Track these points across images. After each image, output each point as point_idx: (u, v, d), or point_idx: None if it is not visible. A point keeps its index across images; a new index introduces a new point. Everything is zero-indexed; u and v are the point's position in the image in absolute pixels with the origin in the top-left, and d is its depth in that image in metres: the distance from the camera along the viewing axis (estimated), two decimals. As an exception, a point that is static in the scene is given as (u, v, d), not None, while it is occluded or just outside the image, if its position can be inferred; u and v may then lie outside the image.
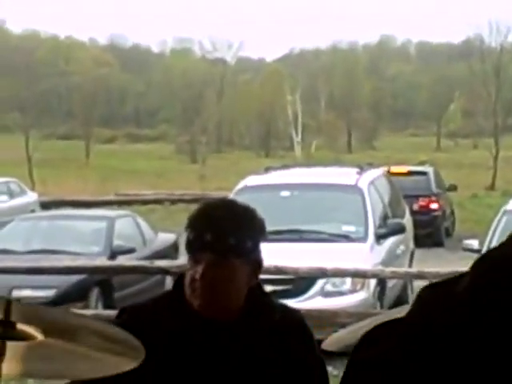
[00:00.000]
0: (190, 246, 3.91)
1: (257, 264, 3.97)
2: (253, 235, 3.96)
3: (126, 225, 18.78)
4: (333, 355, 4.37)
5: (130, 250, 17.11)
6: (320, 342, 4.15)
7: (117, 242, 17.36)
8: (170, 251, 19.12)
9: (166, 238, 19.94)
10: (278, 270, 11.95)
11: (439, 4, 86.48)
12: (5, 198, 31.80)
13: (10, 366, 3.33)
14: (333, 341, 4.10)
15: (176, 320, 3.90)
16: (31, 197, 33.77)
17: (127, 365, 3.44)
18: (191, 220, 3.96)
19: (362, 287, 13.55)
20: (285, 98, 64.07)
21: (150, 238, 19.16)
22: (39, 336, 3.34)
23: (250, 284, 3.96)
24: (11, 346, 3.30)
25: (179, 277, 4.02)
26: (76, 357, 3.46)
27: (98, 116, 67.53)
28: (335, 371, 12.31)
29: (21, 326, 3.31)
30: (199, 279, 3.80)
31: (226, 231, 3.86)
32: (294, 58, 74.67)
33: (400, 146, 60.80)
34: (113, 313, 13.57)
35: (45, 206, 32.34)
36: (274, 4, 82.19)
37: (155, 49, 79.39)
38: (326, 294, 13.25)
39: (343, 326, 12.34)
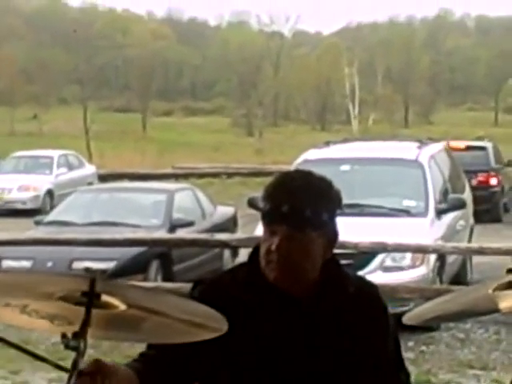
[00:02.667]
0: (266, 218, 3.88)
1: (333, 236, 3.93)
2: (329, 207, 3.92)
3: (186, 198, 18.78)
4: (414, 329, 4.43)
5: (190, 223, 17.12)
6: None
7: (176, 215, 17.37)
8: (229, 224, 19.19)
9: (224, 211, 19.98)
10: (339, 245, 11.91)
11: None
12: (64, 170, 31.99)
13: (94, 332, 3.40)
14: (414, 315, 4.06)
15: (252, 292, 3.89)
16: (89, 169, 33.93)
17: (207, 335, 3.50)
18: (268, 191, 3.94)
19: (422, 262, 13.48)
20: (342, 71, 63.93)
21: (209, 211, 19.15)
22: (122, 306, 3.41)
23: (326, 256, 3.93)
24: (96, 315, 3.36)
25: (254, 250, 3.99)
26: (157, 326, 3.52)
27: (154, 89, 67.73)
28: (410, 343, 12.45)
29: (105, 298, 3.37)
30: (275, 251, 3.79)
31: (302, 204, 3.84)
32: (352, 32, 74.39)
33: (457, 120, 60.47)
34: (172, 285, 13.68)
35: (103, 178, 32.49)
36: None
37: (212, 22, 79.69)
38: (386, 269, 13.23)
39: (403, 300, 12.44)
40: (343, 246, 12.10)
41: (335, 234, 3.96)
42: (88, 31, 64.95)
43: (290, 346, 3.89)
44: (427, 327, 12.81)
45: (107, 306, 3.42)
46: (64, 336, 3.36)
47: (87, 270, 3.33)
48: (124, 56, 66.39)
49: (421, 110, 69.38)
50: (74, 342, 3.33)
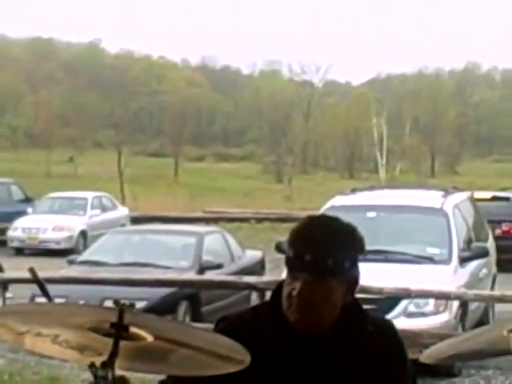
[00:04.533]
0: (289, 263, 3.88)
1: (353, 281, 3.94)
2: (351, 255, 3.93)
3: (215, 241, 18.79)
4: (429, 367, 4.42)
5: (219, 266, 17.15)
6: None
7: (206, 258, 17.35)
8: (257, 267, 19.18)
9: (252, 254, 19.96)
10: (363, 290, 11.94)
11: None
12: (97, 212, 32.06)
13: (121, 363, 3.41)
14: (431, 354, 4.09)
15: (272, 331, 3.89)
16: (122, 211, 34.04)
17: (232, 368, 3.49)
18: (292, 237, 3.94)
19: (445, 309, 13.40)
20: (370, 121, 64.00)
21: (237, 254, 19.15)
22: (149, 338, 3.44)
23: (346, 300, 3.93)
24: (124, 346, 3.39)
25: (276, 289, 3.99)
26: (184, 359, 3.52)
27: (187, 135, 67.91)
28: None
29: (133, 329, 3.41)
30: (296, 296, 3.80)
31: (325, 253, 3.84)
32: (381, 83, 74.45)
33: (483, 171, 60.31)
34: (200, 326, 13.70)
35: (135, 220, 32.56)
36: (361, 28, 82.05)
37: (245, 70, 79.85)
38: (409, 315, 13.18)
39: (426, 346, 12.33)
40: (367, 291, 12.09)
41: (356, 279, 3.96)
42: (124, 77, 65.24)
43: (307, 383, 3.89)
44: (449, 373, 12.80)
45: (135, 337, 3.45)
46: (92, 365, 3.38)
47: (116, 302, 3.35)
48: (158, 102, 66.65)
49: (447, 161, 69.25)
50: (103, 371, 3.35)
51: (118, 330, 3.37)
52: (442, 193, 17.09)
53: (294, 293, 3.81)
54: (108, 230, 22.59)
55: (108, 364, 3.34)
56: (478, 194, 23.62)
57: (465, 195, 18.38)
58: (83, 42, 74.66)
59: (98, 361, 3.37)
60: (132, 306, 3.46)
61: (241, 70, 79.49)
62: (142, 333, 3.45)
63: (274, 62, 76.90)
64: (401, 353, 4.12)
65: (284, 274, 4.24)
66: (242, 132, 71.62)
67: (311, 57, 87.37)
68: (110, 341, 3.39)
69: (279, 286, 3.98)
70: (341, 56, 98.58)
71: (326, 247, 3.84)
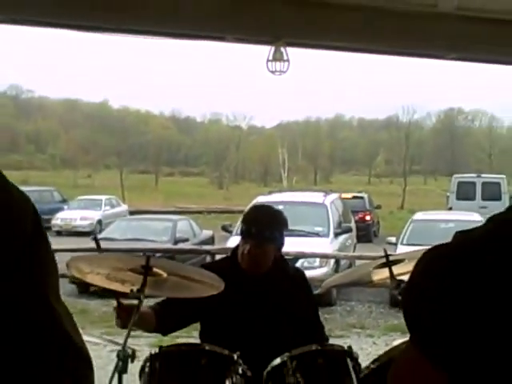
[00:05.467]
0: (243, 233, 3.93)
1: (280, 244, 3.99)
2: (280, 229, 3.97)
3: (183, 225, 18.76)
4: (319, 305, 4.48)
5: (186, 240, 17.18)
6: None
7: (178, 235, 17.37)
8: (209, 241, 19.12)
9: (206, 233, 19.87)
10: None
11: (369, 88, 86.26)
12: (108, 208, 31.74)
13: (148, 290, 3.35)
14: (326, 284, 4.23)
15: (232, 273, 3.88)
16: (123, 207, 33.66)
17: (212, 291, 3.50)
18: (244, 217, 4.02)
19: (326, 264, 13.47)
20: (277, 150, 64.03)
21: (197, 232, 19.14)
22: (164, 274, 3.43)
23: (276, 255, 3.98)
24: (149, 279, 3.37)
25: (234, 249, 4.03)
26: (183, 286, 3.51)
27: (163, 159, 67.39)
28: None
29: (155, 269, 3.40)
30: (246, 253, 3.84)
31: (264, 227, 3.88)
32: (283, 126, 74.44)
33: (346, 181, 60.68)
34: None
35: (131, 213, 32.30)
36: (272, 88, 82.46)
37: (198, 119, 79.08)
38: (305, 268, 13.28)
39: (315, 287, 12.40)
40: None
41: (283, 243, 4.00)
42: (123, 123, 64.73)
43: (251, 305, 3.88)
44: (328, 303, 12.87)
45: (156, 274, 3.42)
46: (131, 291, 3.34)
47: (144, 253, 3.38)
48: (145, 139, 65.96)
49: (324, 175, 69.51)
50: (137, 294, 3.31)
51: (146, 270, 3.35)
52: (322, 194, 17.30)
53: (245, 251, 3.85)
54: (115, 219, 22.54)
55: (140, 290, 3.31)
56: (344, 195, 23.85)
57: (336, 195, 18.51)
58: (97, 101, 73.76)
59: (134, 289, 3.34)
60: (153, 255, 3.46)
61: (196, 118, 78.97)
62: (160, 271, 3.42)
63: (217, 113, 76.52)
64: (309, 287, 4.16)
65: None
66: (197, 158, 70.92)
67: (240, 109, 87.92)
68: (141, 277, 3.36)
69: (236, 247, 4.00)
70: (259, 108, 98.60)
71: (264, 224, 3.90)
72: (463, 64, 4.80)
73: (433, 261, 1.72)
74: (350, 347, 3.32)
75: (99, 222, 29.93)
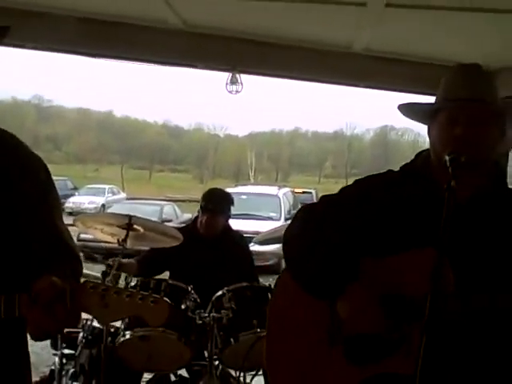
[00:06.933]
0: (201, 207, 4.04)
1: (228, 217, 4.07)
2: (228, 205, 4.08)
3: (169, 209, 18.97)
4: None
5: (170, 220, 17.17)
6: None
7: (164, 216, 17.45)
8: (189, 221, 19.24)
9: (186, 216, 19.83)
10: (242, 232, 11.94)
11: (321, 107, 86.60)
12: (110, 195, 31.66)
13: (130, 242, 3.45)
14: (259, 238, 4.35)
15: (193, 236, 3.95)
16: (123, 195, 33.59)
17: (174, 242, 3.58)
18: (203, 196, 4.11)
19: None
20: (247, 155, 64.29)
21: (179, 215, 19.37)
22: (141, 230, 3.52)
23: (225, 224, 4.08)
24: (130, 234, 3.44)
25: (195, 218, 4.13)
26: (155, 239, 3.57)
27: (156, 159, 67.22)
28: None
29: (135, 226, 3.49)
30: (204, 222, 3.96)
31: (217, 203, 3.98)
32: (253, 135, 74.57)
33: (301, 180, 60.90)
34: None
35: (128, 199, 32.22)
36: (244, 104, 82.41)
37: (185, 127, 78.95)
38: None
39: (267, 259, 12.37)
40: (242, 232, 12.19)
41: (230, 215, 4.11)
42: (124, 129, 64.67)
43: (205, 257, 3.93)
44: (277, 272, 13.03)
45: (135, 229, 3.50)
46: (118, 241, 3.43)
47: (128, 215, 3.50)
48: (142, 142, 65.89)
49: (284, 175, 69.77)
50: (122, 243, 3.39)
51: (129, 226, 3.43)
52: (277, 187, 17.65)
53: (203, 221, 3.97)
54: (115, 203, 22.67)
55: (125, 240, 3.37)
56: (297, 190, 23.94)
57: (288, 189, 18.63)
58: (103, 110, 73.31)
59: (120, 239, 3.40)
60: (134, 217, 3.53)
61: (183, 126, 78.83)
62: (139, 227, 3.49)
63: (200, 123, 76.47)
64: (247, 247, 4.17)
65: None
66: (183, 158, 70.81)
67: (219, 121, 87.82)
68: (124, 231, 3.42)
69: (196, 217, 4.12)
70: (233, 121, 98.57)
71: (216, 201, 4.01)
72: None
73: (301, 209, 2.04)
74: (270, 285, 3.48)
75: (103, 205, 29.89)
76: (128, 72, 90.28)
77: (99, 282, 1.52)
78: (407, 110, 1.90)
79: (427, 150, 1.92)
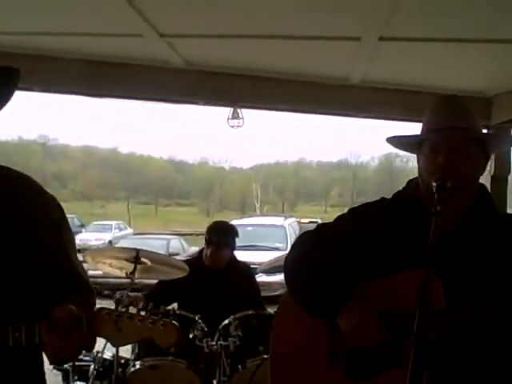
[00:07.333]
0: (206, 240, 4.14)
1: (233, 248, 4.14)
2: (233, 237, 4.14)
3: (175, 243, 19.03)
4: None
5: (177, 254, 17.13)
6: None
7: (171, 250, 17.51)
8: (195, 255, 19.24)
9: (193, 249, 19.72)
10: (249, 263, 11.92)
11: (325, 138, 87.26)
12: (117, 231, 31.75)
13: (137, 275, 3.53)
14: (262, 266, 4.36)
15: (198, 268, 4.03)
16: (129, 230, 33.54)
17: (181, 274, 3.67)
18: (207, 229, 4.21)
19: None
20: (252, 186, 64.44)
21: (186, 248, 19.38)
22: (149, 262, 3.62)
23: (230, 255, 4.14)
24: (138, 267, 3.55)
25: (200, 251, 4.21)
26: (162, 271, 3.65)
27: (161, 193, 67.39)
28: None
29: (142, 259, 3.59)
30: (209, 255, 4.06)
31: (221, 236, 4.08)
32: (258, 167, 74.79)
33: (308, 210, 60.98)
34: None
35: (135, 235, 32.24)
36: (248, 138, 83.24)
37: (190, 161, 79.29)
38: (267, 275, 13.36)
39: (275, 290, 12.46)
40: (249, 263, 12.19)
41: (235, 247, 4.15)
42: (129, 165, 65.01)
43: (211, 289, 4.00)
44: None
45: (143, 262, 3.60)
46: (126, 274, 3.52)
47: (136, 249, 3.58)
48: (147, 178, 66.14)
49: (290, 205, 69.89)
50: (130, 276, 3.48)
51: (136, 260, 3.53)
52: (283, 218, 17.68)
53: (208, 253, 4.06)
54: (122, 239, 22.71)
55: (133, 273, 3.47)
56: (303, 220, 23.91)
57: (294, 219, 18.76)
58: (108, 147, 73.84)
59: (128, 272, 3.49)
60: (141, 250, 3.63)
61: (188, 161, 79.21)
62: (146, 260, 3.60)
63: (204, 157, 76.93)
64: (253, 276, 4.24)
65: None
66: (189, 192, 70.96)
67: (223, 154, 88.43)
68: (132, 265, 3.52)
69: (201, 250, 4.23)
70: (238, 153, 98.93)
71: (221, 233, 4.09)
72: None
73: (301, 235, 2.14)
74: (275, 312, 3.66)
75: (110, 242, 29.95)
76: (132, 110, 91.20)
77: (113, 308, 1.62)
78: (395, 142, 2.02)
79: (417, 177, 2.03)
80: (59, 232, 1.79)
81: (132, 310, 1.59)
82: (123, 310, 1.60)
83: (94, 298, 1.80)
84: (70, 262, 1.79)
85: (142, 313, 1.56)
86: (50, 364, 1.68)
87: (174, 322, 1.59)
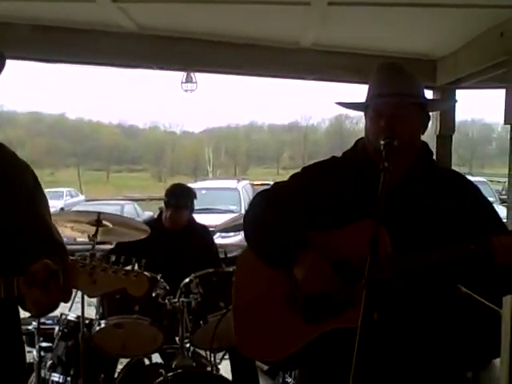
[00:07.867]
0: (165, 202, 4.19)
1: (191, 210, 4.23)
2: (191, 199, 4.22)
3: (129, 208, 19.03)
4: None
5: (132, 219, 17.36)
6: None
7: (125, 215, 17.29)
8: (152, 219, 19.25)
9: (147, 214, 19.84)
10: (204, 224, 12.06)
11: (276, 101, 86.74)
12: (68, 198, 31.36)
13: (99, 237, 3.53)
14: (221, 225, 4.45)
15: (158, 230, 4.10)
16: (81, 197, 33.36)
17: (142, 235, 3.70)
18: (166, 192, 4.24)
19: (239, 234, 13.80)
20: (204, 150, 64.18)
21: (140, 214, 19.37)
22: (110, 225, 3.62)
23: (189, 217, 4.23)
24: (100, 229, 3.55)
25: (160, 213, 4.26)
26: (123, 233, 3.68)
27: (112, 159, 66.65)
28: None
29: (104, 222, 3.59)
30: (168, 217, 4.13)
31: (180, 198, 4.15)
32: (209, 131, 74.36)
33: (260, 173, 61.03)
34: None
35: (87, 201, 32.07)
36: (200, 101, 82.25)
37: (141, 126, 78.34)
38: (222, 237, 13.39)
39: (230, 252, 12.73)
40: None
41: (193, 209, 4.22)
42: (79, 132, 63.97)
43: (171, 249, 4.11)
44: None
45: (104, 225, 3.60)
46: (89, 236, 3.53)
47: (98, 213, 3.57)
48: (97, 143, 65.16)
49: (242, 169, 69.86)
50: (92, 238, 3.49)
51: (98, 223, 3.54)
52: (236, 180, 17.76)
53: (167, 215, 4.12)
54: (74, 206, 22.50)
55: (95, 235, 3.48)
56: (256, 182, 23.89)
57: (247, 182, 18.80)
58: (56, 113, 72.29)
59: (90, 235, 3.50)
60: (103, 213, 3.62)
61: (139, 126, 78.13)
62: (107, 223, 3.59)
63: (155, 122, 76.02)
64: (210, 237, 4.33)
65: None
66: (140, 157, 70.16)
67: (174, 118, 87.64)
68: (94, 228, 3.53)
69: (161, 212, 4.27)
70: (189, 118, 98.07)
71: (179, 196, 4.16)
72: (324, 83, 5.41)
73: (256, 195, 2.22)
74: (234, 270, 3.74)
75: (62, 209, 29.60)
76: (79, 75, 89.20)
77: (87, 261, 1.73)
78: (344, 105, 2.18)
79: (365, 137, 2.16)
80: (34, 196, 1.90)
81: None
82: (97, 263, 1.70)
83: (67, 256, 1.89)
84: (45, 224, 1.90)
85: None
86: (32, 316, 1.78)
87: (145, 272, 1.70)
